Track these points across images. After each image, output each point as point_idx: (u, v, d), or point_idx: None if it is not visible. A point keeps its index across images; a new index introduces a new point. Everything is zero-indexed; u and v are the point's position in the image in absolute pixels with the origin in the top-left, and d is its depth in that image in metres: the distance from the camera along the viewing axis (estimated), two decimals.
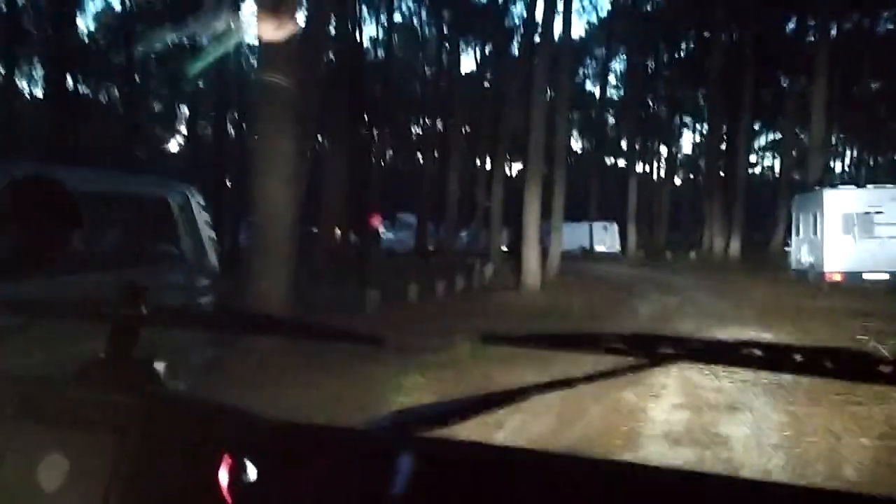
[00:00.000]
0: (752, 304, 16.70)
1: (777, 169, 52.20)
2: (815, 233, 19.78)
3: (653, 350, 1.06)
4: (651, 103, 51.09)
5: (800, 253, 21.47)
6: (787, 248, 24.29)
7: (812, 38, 40.65)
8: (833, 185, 19.93)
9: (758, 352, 0.98)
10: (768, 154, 61.32)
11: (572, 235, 37.98)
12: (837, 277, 18.76)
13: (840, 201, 18.89)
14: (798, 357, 0.95)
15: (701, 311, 15.52)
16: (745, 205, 32.63)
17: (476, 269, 23.21)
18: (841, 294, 18.39)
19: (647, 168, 53.73)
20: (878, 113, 46.89)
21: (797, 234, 22.00)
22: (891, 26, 43.99)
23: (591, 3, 55.97)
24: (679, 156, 56.89)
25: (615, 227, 37.83)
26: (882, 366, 0.91)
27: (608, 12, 44.66)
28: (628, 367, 1.09)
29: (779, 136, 52.52)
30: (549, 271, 23.57)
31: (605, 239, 37.44)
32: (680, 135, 54.26)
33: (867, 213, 18.58)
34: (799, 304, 16.61)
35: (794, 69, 39.50)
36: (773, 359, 1.03)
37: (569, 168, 56.93)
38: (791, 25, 43.27)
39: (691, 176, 59.16)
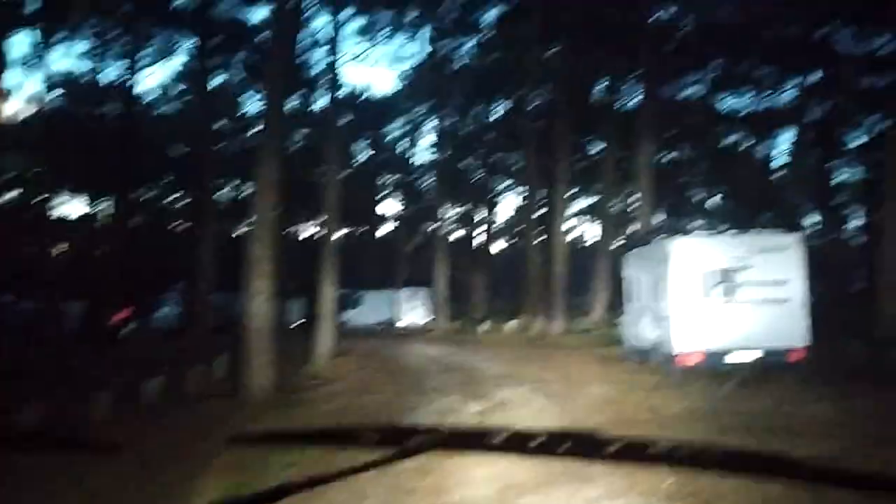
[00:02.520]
0: (589, 408, 10.34)
1: (597, 234, 48.32)
2: (660, 299, 13.87)
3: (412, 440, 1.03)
4: (469, 165, 46.17)
5: (638, 327, 15.53)
6: (618, 321, 18.35)
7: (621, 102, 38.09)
8: (682, 232, 14.17)
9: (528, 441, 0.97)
10: (586, 218, 57.76)
11: (374, 306, 31.16)
12: (694, 360, 12.82)
13: (693, 254, 13.06)
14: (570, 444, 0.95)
15: None
16: (568, 271, 27.12)
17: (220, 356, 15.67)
18: (704, 384, 12.41)
19: (466, 233, 48.55)
20: (681, 179, 44.56)
21: (633, 300, 16.09)
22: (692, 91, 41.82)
23: (399, 52, 49.54)
24: (498, 221, 52.00)
25: (424, 295, 31.24)
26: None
27: (413, 67, 38.90)
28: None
29: (595, 199, 48.95)
30: (318, 356, 16.50)
31: (413, 309, 30.70)
32: (496, 200, 49.35)
33: (730, 269, 12.85)
34: (653, 408, 10.43)
35: (607, 133, 35.85)
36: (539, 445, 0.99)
37: (376, 234, 51.60)
38: (604, 86, 39.71)
39: (513, 241, 54.49)
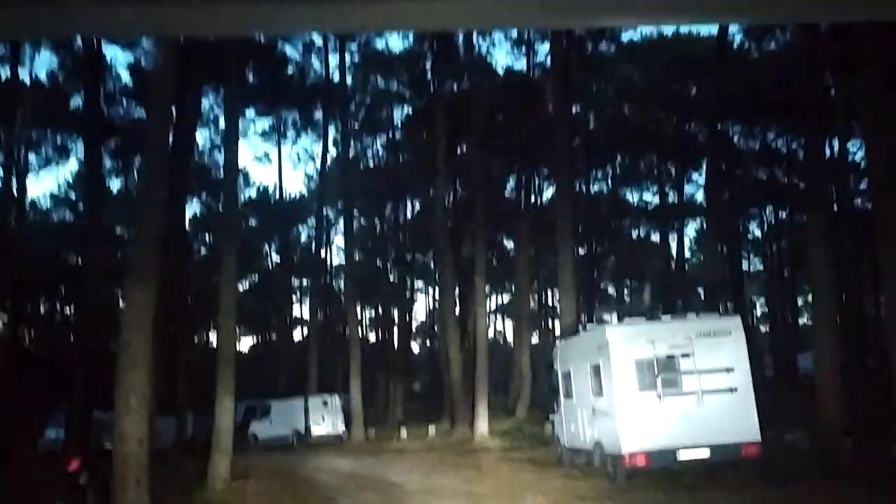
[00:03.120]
0: None
1: (512, 331, 47.14)
2: (600, 392, 12.39)
3: None
4: (382, 266, 44.78)
5: (574, 426, 13.94)
6: (550, 420, 16.68)
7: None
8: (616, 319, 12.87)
9: None
10: (502, 315, 56.73)
11: (283, 417, 28.40)
12: (640, 460, 11.28)
13: (631, 342, 11.72)
14: None
15: None
16: (488, 370, 25.46)
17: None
18: (655, 489, 10.88)
19: (382, 335, 46.64)
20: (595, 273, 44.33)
21: (567, 396, 14.55)
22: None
23: (306, 152, 47.78)
24: (414, 321, 50.30)
25: (337, 401, 28.75)
26: None
27: (321, 168, 37.63)
28: None
29: (509, 297, 48.22)
30: (213, 478, 14.12)
31: (326, 418, 28.13)
32: (412, 300, 47.77)
33: (670, 356, 11.55)
34: None
35: (519, 229, 35.55)
36: None
37: (290, 339, 49.03)
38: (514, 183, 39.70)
39: (431, 342, 52.71)
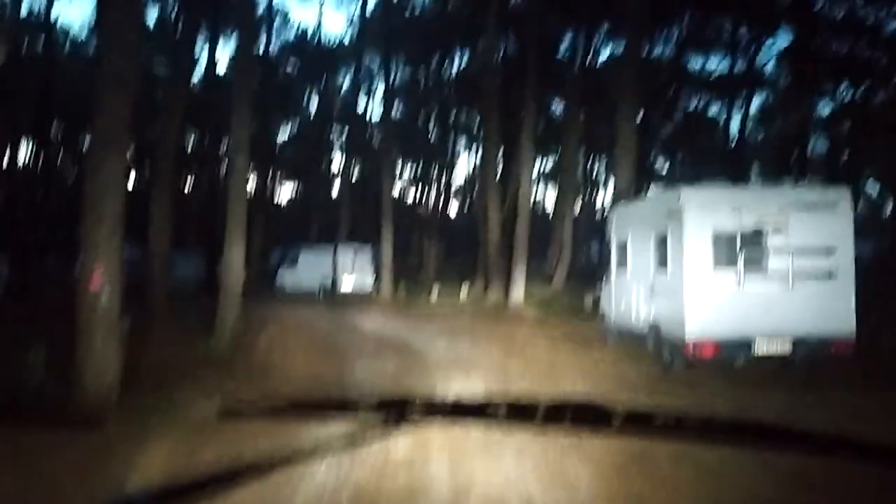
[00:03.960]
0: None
1: (553, 199, 44.74)
2: (664, 267, 10.31)
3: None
4: (424, 121, 42.35)
5: (626, 303, 11.98)
6: (596, 291, 14.69)
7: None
8: (693, 183, 10.58)
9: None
10: (544, 182, 54.19)
11: (312, 266, 27.00)
12: (706, 350, 9.35)
13: (710, 210, 9.51)
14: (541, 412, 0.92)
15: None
16: (528, 235, 23.54)
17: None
18: (721, 384, 9.02)
19: (419, 194, 44.95)
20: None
21: (621, 269, 12.49)
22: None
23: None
24: (454, 182, 48.18)
25: (367, 254, 27.09)
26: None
27: (365, 11, 34.60)
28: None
29: (552, 163, 45.57)
30: (220, 333, 12.67)
31: (355, 270, 26.53)
32: (453, 160, 45.33)
33: (758, 231, 9.37)
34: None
35: (572, 92, 32.52)
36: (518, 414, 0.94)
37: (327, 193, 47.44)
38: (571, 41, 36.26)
39: (469, 204, 50.81)
